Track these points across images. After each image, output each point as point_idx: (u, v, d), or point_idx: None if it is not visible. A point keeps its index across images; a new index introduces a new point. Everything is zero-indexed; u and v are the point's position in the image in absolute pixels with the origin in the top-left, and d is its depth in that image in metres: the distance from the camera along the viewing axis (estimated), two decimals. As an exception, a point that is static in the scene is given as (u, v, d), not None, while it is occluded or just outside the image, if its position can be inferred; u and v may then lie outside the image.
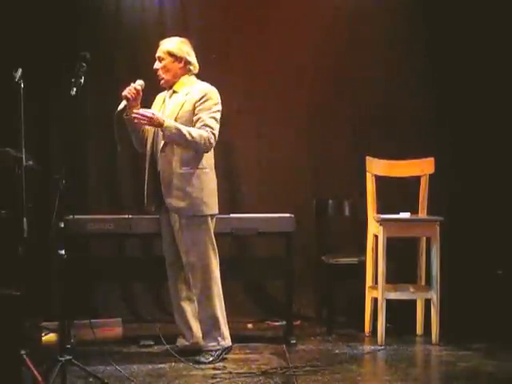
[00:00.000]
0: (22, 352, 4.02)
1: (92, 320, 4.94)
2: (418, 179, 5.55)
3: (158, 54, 4.75)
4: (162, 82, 4.76)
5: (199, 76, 4.82)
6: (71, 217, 4.41)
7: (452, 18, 6.04)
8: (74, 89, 4.08)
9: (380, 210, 5.47)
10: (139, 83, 4.66)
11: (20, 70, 4.22)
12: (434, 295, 5.19)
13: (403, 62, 6.15)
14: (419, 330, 5.47)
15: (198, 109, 4.66)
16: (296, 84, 6.14)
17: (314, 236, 6.00)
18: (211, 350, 4.71)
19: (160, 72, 4.74)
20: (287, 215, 5.13)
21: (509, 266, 5.72)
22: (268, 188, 6.16)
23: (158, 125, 4.57)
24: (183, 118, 4.65)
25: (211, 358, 4.67)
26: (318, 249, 5.90)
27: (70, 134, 4.43)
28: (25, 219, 4.24)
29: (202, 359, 4.67)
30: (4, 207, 4.57)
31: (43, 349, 4.90)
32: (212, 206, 4.73)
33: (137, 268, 5.53)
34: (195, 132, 4.60)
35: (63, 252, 4.03)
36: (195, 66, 4.79)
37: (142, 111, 4.56)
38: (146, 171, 4.77)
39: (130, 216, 5.20)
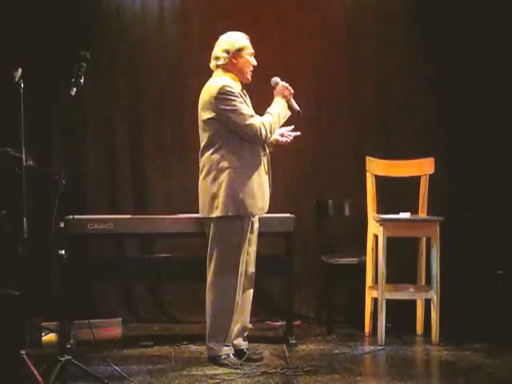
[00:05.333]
0: (22, 352, 4.02)
1: (91, 320, 4.95)
2: (417, 179, 5.55)
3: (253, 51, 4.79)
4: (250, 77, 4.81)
5: (204, 73, 4.84)
6: (71, 217, 4.41)
7: (451, 19, 6.03)
8: (74, 89, 4.09)
9: (380, 210, 5.47)
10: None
11: (20, 70, 4.22)
12: (433, 295, 5.19)
13: (403, 63, 6.14)
14: (419, 330, 5.47)
15: None
16: (296, 84, 6.13)
17: (314, 236, 6.00)
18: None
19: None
20: (287, 215, 5.13)
21: (509, 265, 5.71)
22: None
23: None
24: None
25: None
26: (318, 249, 5.90)
27: (70, 134, 4.43)
28: (25, 219, 4.24)
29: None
30: (4, 207, 4.57)
31: (43, 349, 4.91)
32: None
33: (137, 268, 5.52)
34: None
35: (63, 252, 4.03)
36: None
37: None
38: (262, 172, 4.63)
39: (130, 216, 5.21)
